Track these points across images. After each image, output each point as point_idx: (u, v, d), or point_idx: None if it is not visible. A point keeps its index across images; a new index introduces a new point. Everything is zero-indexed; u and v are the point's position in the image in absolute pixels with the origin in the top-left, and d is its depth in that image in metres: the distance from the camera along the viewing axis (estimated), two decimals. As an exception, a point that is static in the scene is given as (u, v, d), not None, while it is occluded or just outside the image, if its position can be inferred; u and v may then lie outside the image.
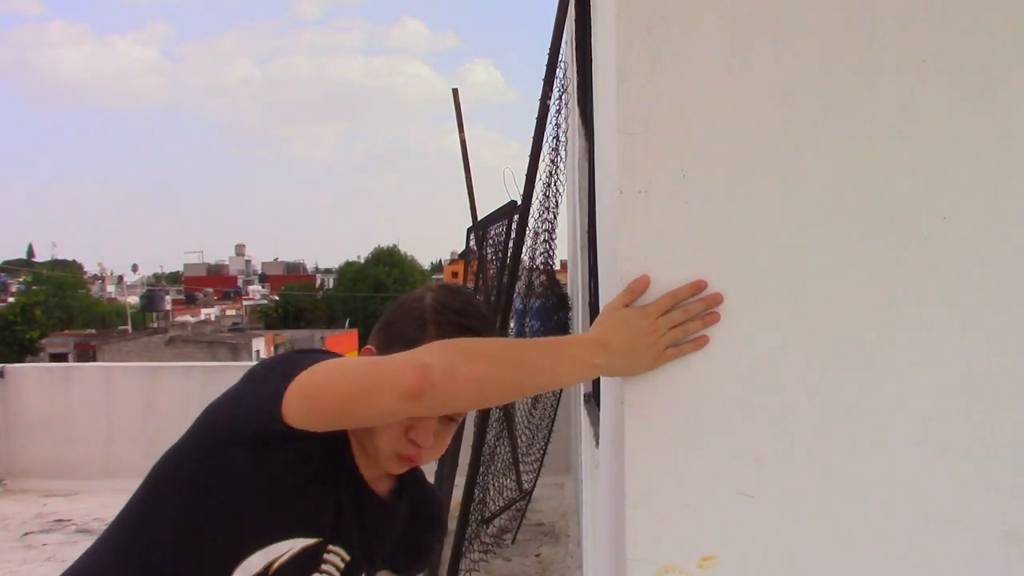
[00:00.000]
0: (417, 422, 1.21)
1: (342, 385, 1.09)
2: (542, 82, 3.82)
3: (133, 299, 57.47)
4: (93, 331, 42.67)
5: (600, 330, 1.11)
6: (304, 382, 1.10)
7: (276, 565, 1.19)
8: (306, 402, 1.10)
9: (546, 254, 4.82)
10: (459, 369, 1.03)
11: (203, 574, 1.17)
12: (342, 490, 1.25)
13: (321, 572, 1.25)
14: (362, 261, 50.97)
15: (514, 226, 4.07)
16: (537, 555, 5.07)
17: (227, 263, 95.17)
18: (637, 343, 1.10)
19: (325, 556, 1.25)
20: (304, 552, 1.22)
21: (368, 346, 1.28)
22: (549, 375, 1.10)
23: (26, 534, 5.60)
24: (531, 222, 4.16)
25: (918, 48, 1.22)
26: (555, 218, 4.56)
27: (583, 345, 1.11)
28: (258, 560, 1.18)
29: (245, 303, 64.73)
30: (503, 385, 1.08)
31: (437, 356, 1.04)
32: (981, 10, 1.22)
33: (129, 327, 44.29)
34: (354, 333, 38.40)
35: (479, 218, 5.72)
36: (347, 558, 1.28)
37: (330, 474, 1.23)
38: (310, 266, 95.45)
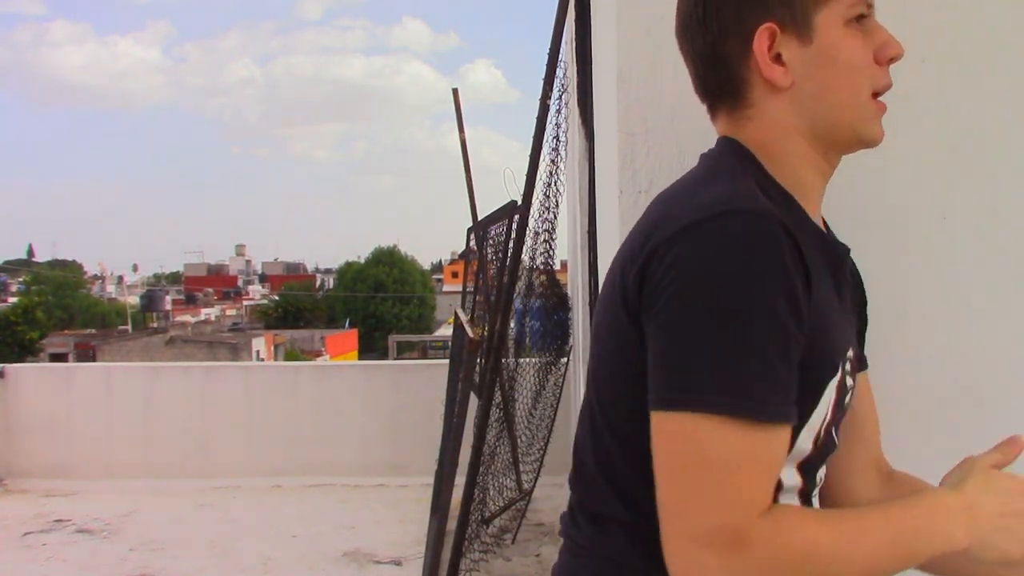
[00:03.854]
0: (876, 38, 0.93)
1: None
2: (542, 82, 3.81)
3: (133, 299, 57.47)
4: (93, 331, 42.67)
5: (969, 494, 0.83)
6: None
7: (823, 429, 0.89)
8: None
9: (546, 254, 4.82)
10: None
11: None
12: (827, 278, 0.89)
13: (849, 393, 0.94)
14: (362, 261, 50.96)
15: (514, 226, 4.07)
16: (537, 555, 5.07)
17: (227, 263, 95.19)
18: (1013, 525, 0.84)
19: (846, 369, 0.92)
20: (839, 390, 0.90)
21: (768, 23, 0.89)
22: (895, 564, 0.81)
23: (26, 534, 5.59)
24: (531, 222, 4.15)
25: (918, 48, 1.22)
26: (555, 218, 4.55)
27: (944, 512, 0.82)
28: (804, 438, 0.87)
29: (245, 303, 64.76)
30: None
31: (732, 571, 0.74)
32: (981, 10, 1.22)
33: (129, 327, 44.30)
34: (354, 333, 38.38)
35: (479, 218, 5.72)
36: (852, 356, 0.94)
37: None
38: (310, 266, 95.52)
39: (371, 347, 39.93)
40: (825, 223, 1.01)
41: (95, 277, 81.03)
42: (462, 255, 8.93)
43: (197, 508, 6.09)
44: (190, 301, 64.35)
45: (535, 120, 3.85)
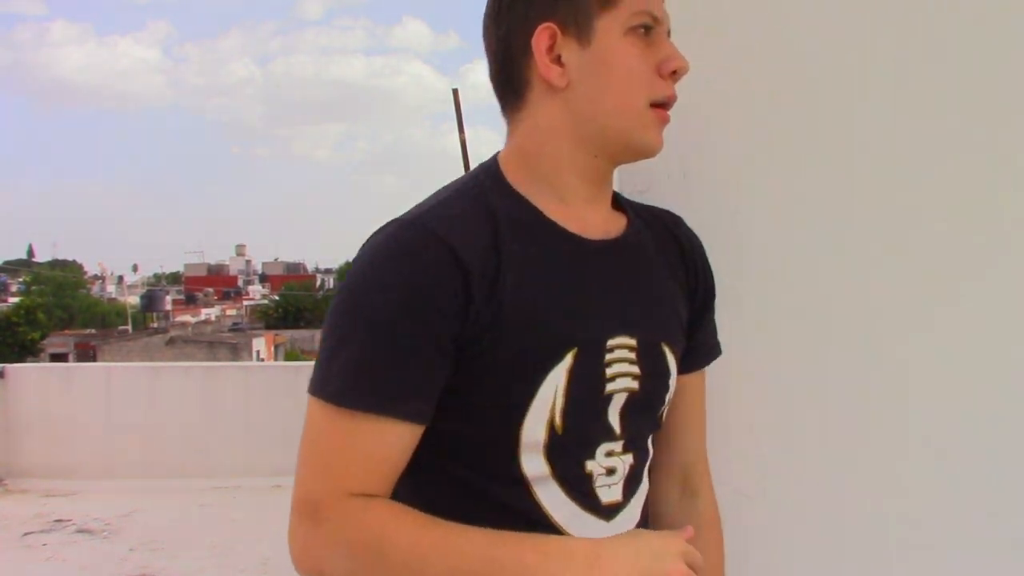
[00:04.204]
0: (659, 51, 0.93)
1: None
2: (542, 82, 3.81)
3: (133, 299, 57.41)
4: (93, 331, 42.65)
5: (604, 545, 0.82)
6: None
7: (558, 416, 0.89)
8: None
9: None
10: (326, 569, 0.87)
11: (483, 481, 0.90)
12: (557, 272, 0.91)
13: (612, 381, 0.93)
14: (362, 261, 50.83)
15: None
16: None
17: (227, 263, 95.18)
18: None
19: (607, 358, 0.92)
20: (574, 377, 0.90)
21: (548, 23, 0.91)
22: None
23: (26, 534, 5.58)
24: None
25: (918, 48, 1.22)
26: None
27: (563, 556, 0.81)
28: (533, 427, 0.89)
29: (245, 303, 64.74)
30: None
31: (307, 542, 0.87)
32: (981, 10, 1.21)
33: (129, 327, 44.26)
34: (354, 333, 38.28)
35: (479, 218, 5.72)
36: (633, 343, 0.94)
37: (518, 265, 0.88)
38: (310, 266, 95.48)
39: (371, 347, 39.78)
40: (630, 216, 1.01)
41: (95, 277, 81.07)
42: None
43: (197, 508, 6.09)
44: (190, 301, 64.31)
45: (535, 120, 3.85)
